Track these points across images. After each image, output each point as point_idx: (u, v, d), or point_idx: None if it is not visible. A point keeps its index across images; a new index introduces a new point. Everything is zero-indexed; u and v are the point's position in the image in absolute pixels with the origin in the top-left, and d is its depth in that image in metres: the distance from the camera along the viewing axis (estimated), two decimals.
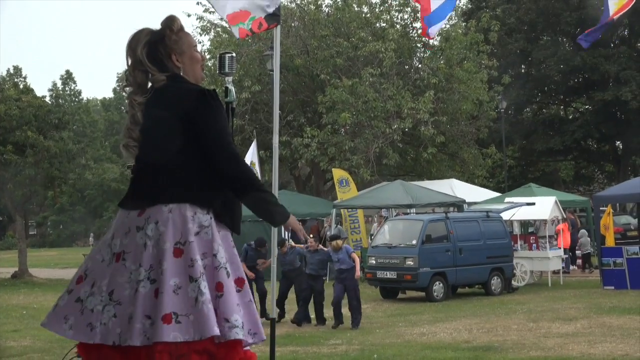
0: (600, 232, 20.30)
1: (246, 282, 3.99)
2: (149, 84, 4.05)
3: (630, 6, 11.22)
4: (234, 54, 5.03)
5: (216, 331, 3.65)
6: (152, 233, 3.78)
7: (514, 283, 20.00)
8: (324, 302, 14.64)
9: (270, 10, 7.68)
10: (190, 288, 3.70)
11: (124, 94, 4.18)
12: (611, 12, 11.04)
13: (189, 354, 3.67)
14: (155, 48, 4.03)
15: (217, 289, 3.75)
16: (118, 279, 3.80)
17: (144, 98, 3.99)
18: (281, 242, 14.86)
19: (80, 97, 76.92)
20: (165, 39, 4.05)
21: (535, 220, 23.08)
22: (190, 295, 3.69)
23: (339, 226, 24.83)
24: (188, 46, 4.10)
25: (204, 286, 3.70)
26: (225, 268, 3.81)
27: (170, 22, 4.09)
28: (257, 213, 4.02)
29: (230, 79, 4.95)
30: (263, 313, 13.85)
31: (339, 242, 14.27)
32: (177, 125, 3.91)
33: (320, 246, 15.03)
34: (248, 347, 3.92)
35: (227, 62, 5.03)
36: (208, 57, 31.42)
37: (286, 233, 24.25)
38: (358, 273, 14.09)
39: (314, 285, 14.46)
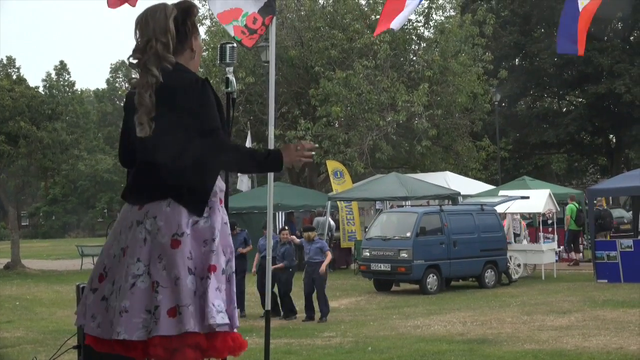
0: (594, 225, 20.33)
1: (221, 268, 3.88)
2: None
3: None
4: (234, 44, 4.99)
5: (212, 321, 3.67)
6: (151, 227, 3.76)
7: (513, 276, 20.05)
8: (283, 294, 14.63)
9: (262, 1, 7.35)
10: (189, 280, 3.71)
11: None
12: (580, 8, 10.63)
13: (182, 348, 3.67)
14: (182, 24, 3.89)
15: (209, 270, 3.74)
16: (122, 273, 3.79)
17: (159, 74, 3.77)
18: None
19: (75, 88, 76.56)
20: (189, 20, 3.92)
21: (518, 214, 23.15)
22: (189, 287, 3.70)
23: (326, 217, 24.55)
24: (198, 35, 4.03)
25: (200, 279, 3.74)
26: (217, 252, 3.80)
27: (194, 6, 4.00)
28: None
29: (231, 69, 4.92)
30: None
31: (311, 234, 14.47)
32: (178, 120, 3.77)
33: (293, 237, 15.16)
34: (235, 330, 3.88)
35: (227, 52, 4.99)
36: (203, 48, 31.32)
37: (282, 221, 24.22)
38: (323, 268, 13.97)
39: (280, 275, 14.42)
